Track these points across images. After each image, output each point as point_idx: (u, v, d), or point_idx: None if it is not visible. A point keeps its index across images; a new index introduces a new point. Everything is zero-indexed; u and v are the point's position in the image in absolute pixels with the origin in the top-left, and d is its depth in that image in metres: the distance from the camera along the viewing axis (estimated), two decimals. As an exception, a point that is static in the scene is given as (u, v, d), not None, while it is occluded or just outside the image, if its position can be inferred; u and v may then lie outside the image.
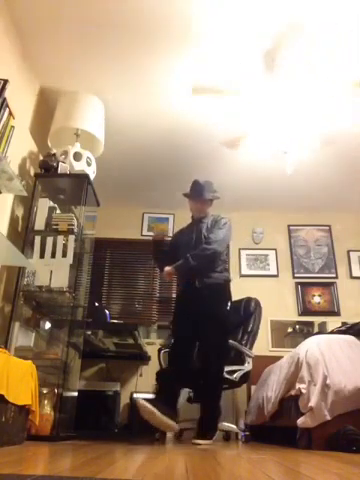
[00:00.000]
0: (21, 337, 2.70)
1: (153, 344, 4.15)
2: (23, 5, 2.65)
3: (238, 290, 4.46)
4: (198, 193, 2.96)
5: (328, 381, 2.25)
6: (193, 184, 3.01)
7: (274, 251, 4.84)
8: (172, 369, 2.74)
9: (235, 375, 2.95)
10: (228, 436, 3.46)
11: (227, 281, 2.93)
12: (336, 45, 2.81)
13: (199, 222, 3.01)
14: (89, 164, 3.17)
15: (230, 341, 3.04)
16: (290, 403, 2.54)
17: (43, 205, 2.97)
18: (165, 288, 4.67)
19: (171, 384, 2.67)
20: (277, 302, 4.51)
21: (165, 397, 2.57)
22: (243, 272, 4.73)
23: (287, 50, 2.81)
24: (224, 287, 2.90)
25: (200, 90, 3.15)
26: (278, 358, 3.16)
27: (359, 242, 4.81)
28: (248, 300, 3.44)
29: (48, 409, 2.49)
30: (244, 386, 3.51)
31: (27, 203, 2.99)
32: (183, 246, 2.93)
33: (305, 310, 4.55)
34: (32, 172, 3.15)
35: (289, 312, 4.53)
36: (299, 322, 4.50)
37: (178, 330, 2.85)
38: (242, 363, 3.03)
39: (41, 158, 3.16)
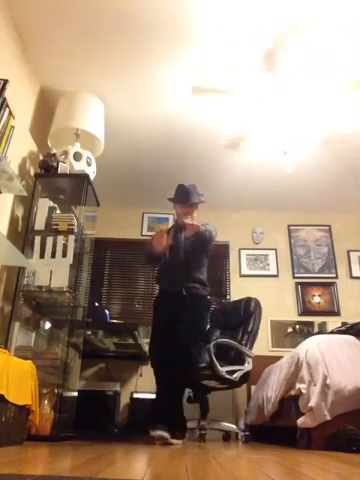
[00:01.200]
0: (21, 337, 2.70)
1: (153, 344, 4.14)
2: (23, 5, 2.65)
3: (238, 290, 4.51)
4: (185, 197, 2.95)
5: (328, 381, 2.25)
6: (178, 188, 3.00)
7: (274, 251, 4.84)
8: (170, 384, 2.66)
9: (235, 375, 2.94)
10: (228, 436, 3.46)
11: (208, 297, 2.96)
12: (335, 45, 2.81)
13: (182, 229, 2.95)
14: (89, 164, 3.17)
15: (230, 341, 3.05)
16: (290, 403, 2.54)
17: (43, 205, 2.97)
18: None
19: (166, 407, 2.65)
20: (277, 302, 4.51)
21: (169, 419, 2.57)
22: (243, 272, 4.73)
23: (287, 50, 2.81)
24: (206, 299, 2.94)
25: (199, 90, 3.15)
26: (278, 358, 3.17)
27: (359, 242, 4.81)
28: (248, 300, 3.43)
29: (48, 409, 2.49)
30: (244, 386, 3.51)
31: (27, 203, 2.99)
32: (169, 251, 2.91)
33: (305, 310, 4.55)
34: (32, 172, 3.15)
35: (289, 312, 4.53)
36: (299, 322, 4.50)
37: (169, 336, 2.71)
38: (242, 363, 3.02)
39: (41, 158, 3.16)
